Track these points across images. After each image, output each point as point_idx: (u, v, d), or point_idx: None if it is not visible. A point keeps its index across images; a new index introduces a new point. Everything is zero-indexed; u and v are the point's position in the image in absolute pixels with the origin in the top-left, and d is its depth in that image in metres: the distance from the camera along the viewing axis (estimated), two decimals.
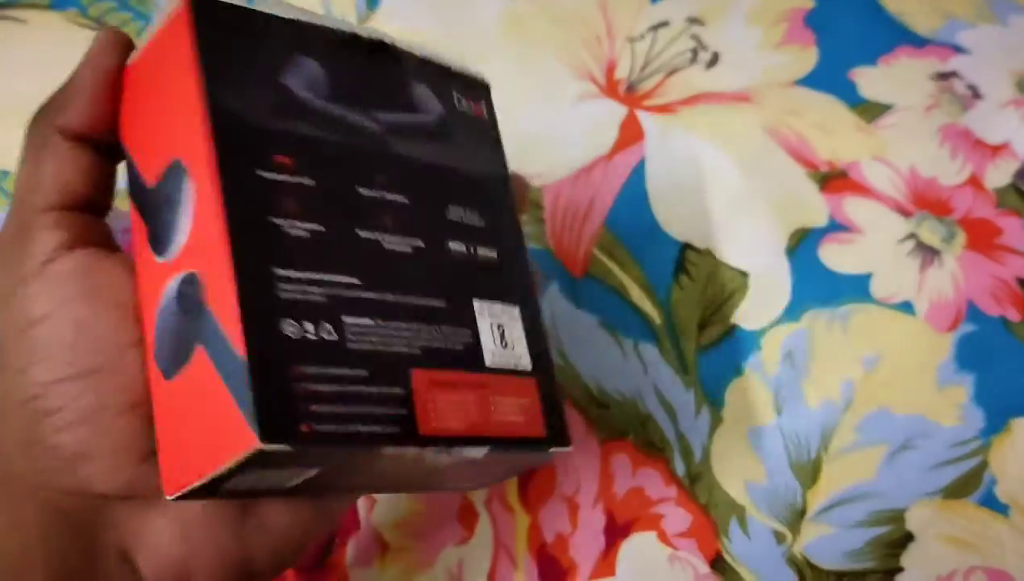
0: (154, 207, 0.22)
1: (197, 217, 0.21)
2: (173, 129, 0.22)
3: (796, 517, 0.40)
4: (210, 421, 0.20)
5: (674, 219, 0.44)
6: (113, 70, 0.23)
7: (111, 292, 0.22)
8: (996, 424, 0.41)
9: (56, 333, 0.21)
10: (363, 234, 0.23)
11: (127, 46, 0.24)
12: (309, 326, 0.20)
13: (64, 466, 0.22)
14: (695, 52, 0.47)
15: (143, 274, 0.22)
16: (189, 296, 0.21)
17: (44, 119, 0.23)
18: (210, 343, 0.20)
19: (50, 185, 0.22)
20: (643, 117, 0.46)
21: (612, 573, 0.40)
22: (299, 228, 0.21)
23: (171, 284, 0.21)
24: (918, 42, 0.47)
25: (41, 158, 0.23)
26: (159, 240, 0.22)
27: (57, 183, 0.23)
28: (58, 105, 0.23)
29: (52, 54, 0.48)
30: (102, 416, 0.21)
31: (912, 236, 0.44)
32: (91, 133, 0.23)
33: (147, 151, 0.23)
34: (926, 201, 0.44)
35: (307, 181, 0.22)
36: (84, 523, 0.22)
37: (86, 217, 0.23)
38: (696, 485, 0.41)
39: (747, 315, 0.43)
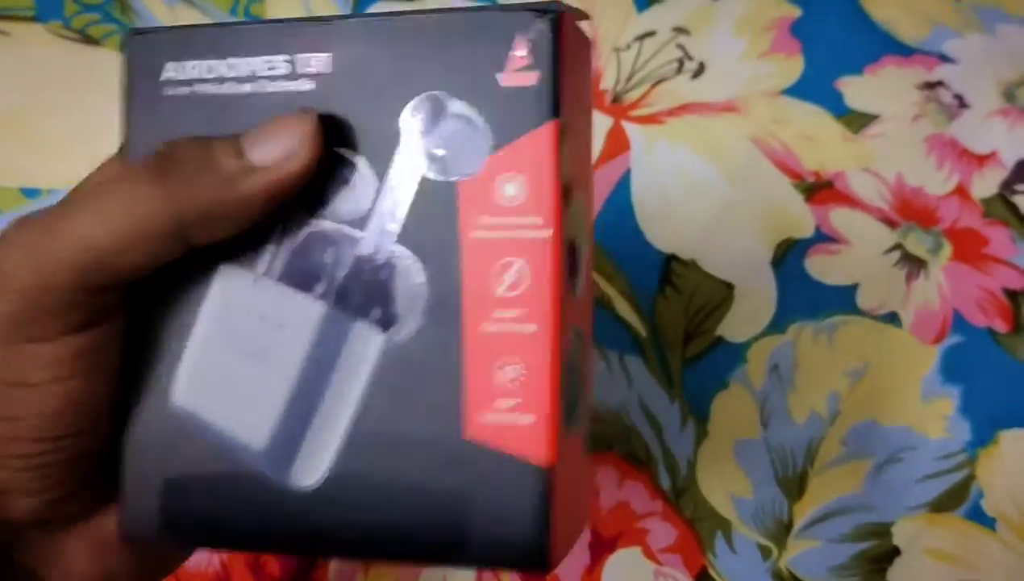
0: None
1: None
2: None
3: (782, 531, 0.40)
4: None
5: (659, 230, 0.44)
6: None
7: (109, 365, 0.22)
8: (983, 437, 0.40)
9: (39, 403, 0.21)
10: None
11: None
12: None
13: None
14: (681, 62, 0.47)
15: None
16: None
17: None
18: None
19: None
20: (629, 128, 0.46)
21: None
22: None
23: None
24: (904, 51, 0.47)
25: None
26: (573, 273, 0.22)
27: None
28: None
29: (36, 66, 0.48)
30: (39, 464, 0.21)
31: (898, 247, 0.43)
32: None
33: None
34: (912, 211, 0.44)
35: None
36: None
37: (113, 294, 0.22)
38: (681, 499, 0.40)
39: (732, 327, 0.42)
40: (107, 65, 0.48)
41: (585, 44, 0.23)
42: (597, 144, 0.46)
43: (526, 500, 0.20)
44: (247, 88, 0.21)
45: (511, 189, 0.20)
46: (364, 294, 0.21)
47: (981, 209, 0.44)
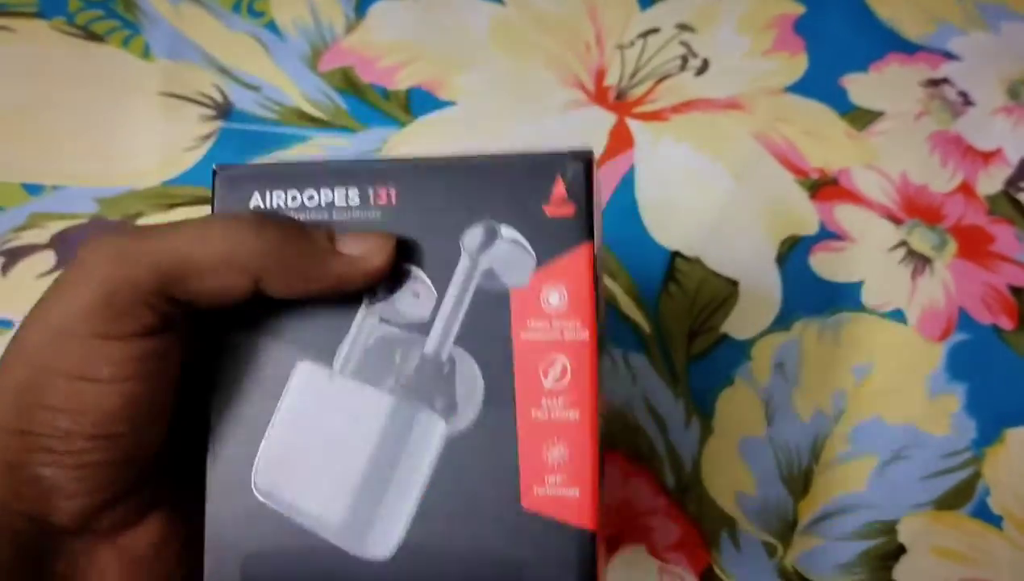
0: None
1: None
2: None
3: (787, 529, 0.40)
4: None
5: (663, 227, 0.44)
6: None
7: (170, 375, 0.23)
8: (989, 434, 0.40)
9: (102, 398, 0.22)
10: None
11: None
12: None
13: (37, 494, 0.22)
14: (685, 59, 0.47)
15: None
16: None
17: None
18: None
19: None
20: (633, 125, 0.46)
21: None
22: None
23: None
24: (909, 48, 0.47)
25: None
26: None
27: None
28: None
29: (39, 62, 0.48)
30: (90, 462, 0.22)
31: (903, 244, 0.43)
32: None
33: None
34: (917, 208, 0.44)
35: None
36: (35, 548, 0.22)
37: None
38: (686, 496, 0.40)
39: (737, 324, 0.42)
40: (110, 61, 0.48)
41: (599, 185, 0.27)
42: (601, 141, 0.46)
43: (577, 559, 0.23)
44: (325, 216, 0.25)
45: (555, 298, 0.24)
46: (428, 388, 0.24)
47: (986, 206, 0.44)
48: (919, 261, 0.43)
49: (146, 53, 0.48)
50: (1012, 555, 0.39)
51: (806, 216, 0.44)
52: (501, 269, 0.24)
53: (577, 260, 0.24)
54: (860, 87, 0.46)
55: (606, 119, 0.46)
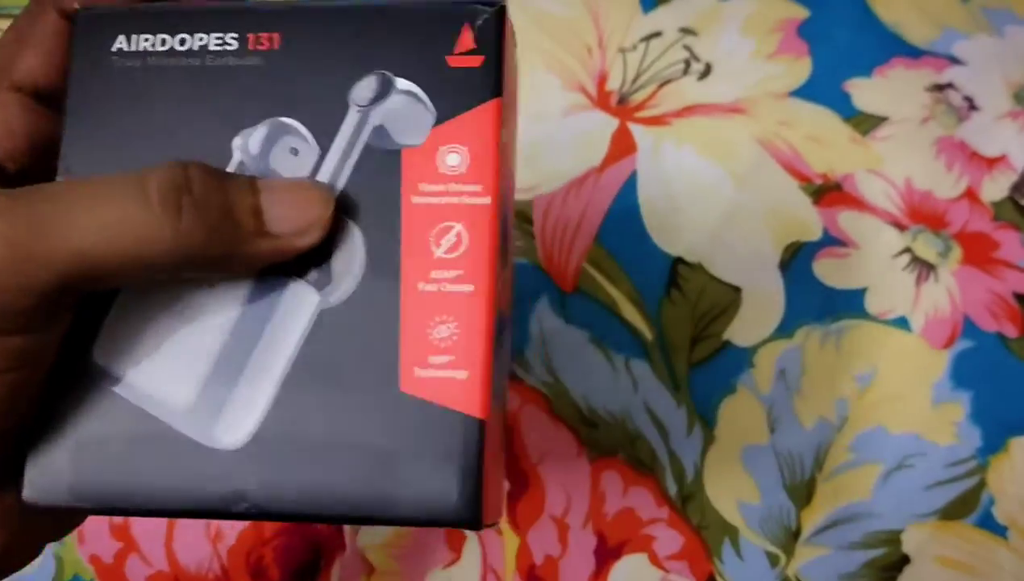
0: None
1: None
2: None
3: (790, 538, 0.39)
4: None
5: (666, 233, 0.44)
6: (60, 21, 0.23)
7: (52, 356, 0.21)
8: (994, 443, 0.40)
9: None
10: None
11: None
12: None
13: None
14: (688, 63, 0.47)
15: None
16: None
17: None
18: None
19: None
20: (635, 129, 0.45)
21: None
22: None
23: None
24: (913, 53, 0.46)
25: None
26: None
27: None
28: (9, 59, 0.23)
29: None
30: None
31: (908, 250, 0.43)
32: (47, 86, 0.23)
33: None
34: (922, 214, 0.44)
35: None
36: None
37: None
38: (688, 505, 0.40)
39: (739, 331, 0.42)
40: None
41: (515, 43, 0.25)
42: (603, 146, 0.45)
43: (461, 450, 0.21)
44: (197, 62, 0.22)
45: (453, 159, 0.22)
46: (300, 255, 0.21)
47: (991, 212, 0.44)
48: (923, 268, 0.43)
49: None
50: (1017, 565, 0.38)
51: (809, 222, 0.43)
52: (394, 126, 0.22)
53: (482, 117, 0.22)
54: (864, 92, 0.46)
55: (608, 124, 0.46)
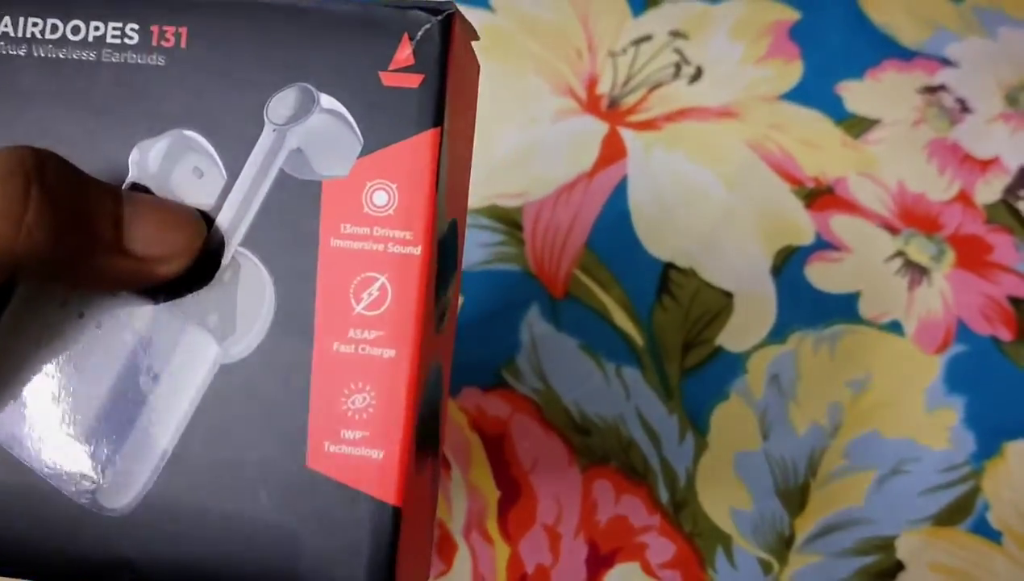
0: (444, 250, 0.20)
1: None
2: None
3: (783, 546, 0.39)
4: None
5: (657, 238, 0.43)
6: None
7: None
8: (988, 448, 0.40)
9: None
10: None
11: None
12: None
13: None
14: (678, 66, 0.46)
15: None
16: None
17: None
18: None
19: None
20: (625, 134, 0.45)
21: None
22: None
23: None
24: (905, 55, 0.46)
25: None
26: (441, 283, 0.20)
27: None
28: None
29: None
30: None
31: (900, 254, 0.43)
32: None
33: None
34: (914, 218, 0.43)
35: None
36: None
37: None
38: (680, 513, 0.40)
39: (732, 337, 0.42)
40: None
41: (475, 66, 0.21)
42: (593, 151, 0.45)
43: (370, 540, 0.18)
44: (91, 56, 0.19)
45: (380, 197, 0.19)
46: (199, 298, 0.19)
47: (984, 215, 0.43)
48: (916, 271, 0.42)
49: None
50: (1012, 571, 0.38)
51: (801, 226, 0.43)
52: (314, 151, 0.19)
53: (416, 150, 0.19)
54: (856, 94, 0.45)
55: (598, 128, 0.45)
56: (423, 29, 0.19)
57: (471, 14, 0.48)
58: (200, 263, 0.19)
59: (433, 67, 0.19)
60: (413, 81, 0.19)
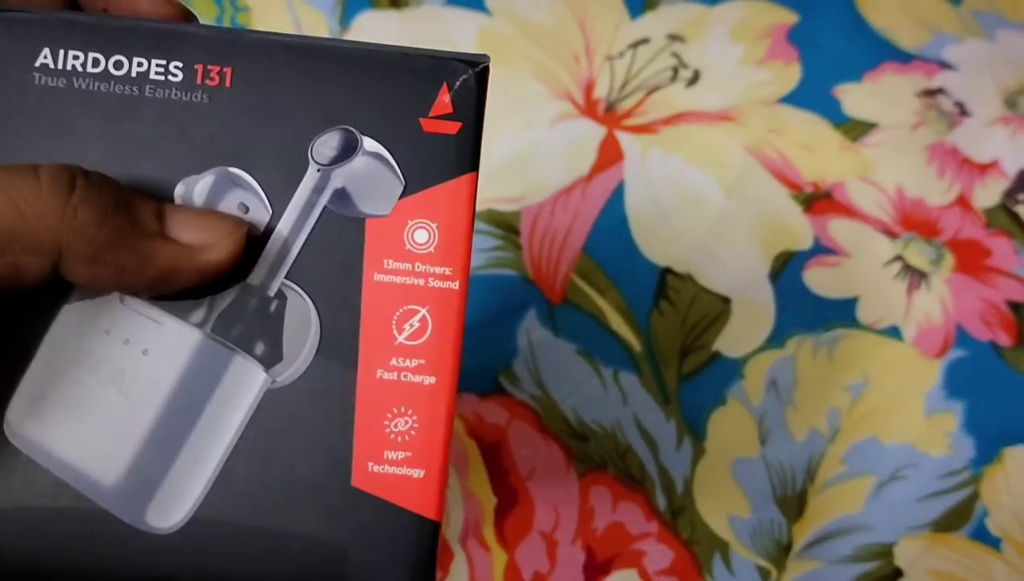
0: None
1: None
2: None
3: (781, 552, 0.39)
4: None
5: (654, 243, 0.43)
6: None
7: None
8: (987, 454, 0.39)
9: None
10: None
11: None
12: None
13: None
14: (676, 70, 0.46)
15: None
16: None
17: None
18: None
19: None
20: (623, 138, 0.45)
21: None
22: None
23: None
24: (903, 58, 0.46)
25: None
26: None
27: None
28: None
29: None
30: None
31: (899, 258, 0.42)
32: None
33: None
34: (913, 222, 0.43)
35: None
36: None
37: None
38: (678, 519, 0.39)
39: (730, 342, 0.41)
40: None
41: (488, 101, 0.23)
42: (590, 155, 0.45)
43: (414, 552, 0.19)
44: (134, 91, 0.20)
45: (421, 236, 0.20)
46: (248, 327, 0.20)
47: (983, 219, 0.43)
48: (915, 276, 0.42)
49: None
50: (1011, 578, 0.38)
51: (800, 231, 0.43)
52: (358, 191, 0.20)
53: (455, 193, 0.20)
54: (854, 98, 0.45)
55: (595, 132, 0.45)
56: (461, 80, 0.20)
57: (468, 17, 0.48)
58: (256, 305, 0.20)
59: (470, 115, 0.20)
60: (452, 128, 0.20)
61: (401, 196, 0.20)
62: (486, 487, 0.40)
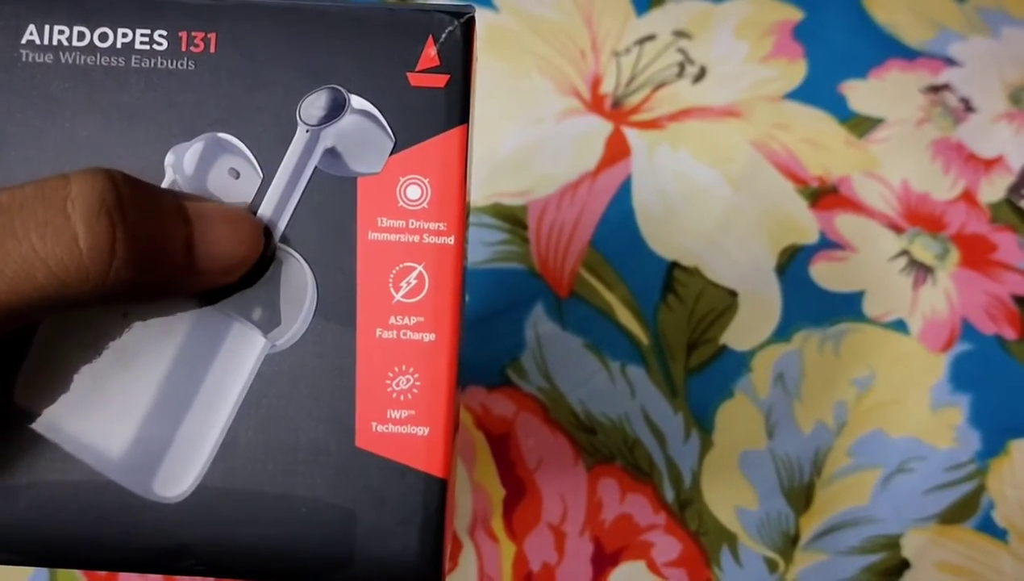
0: None
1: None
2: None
3: (788, 544, 0.39)
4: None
5: (661, 237, 0.43)
6: None
7: None
8: (993, 446, 0.40)
9: None
10: None
11: None
12: None
13: None
14: (682, 66, 0.47)
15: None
16: None
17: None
18: None
19: None
20: (629, 133, 0.45)
21: None
22: None
23: None
24: (909, 54, 0.46)
25: None
26: None
27: None
28: None
29: None
30: None
31: (905, 253, 0.43)
32: None
33: None
34: (919, 217, 0.43)
35: None
36: None
37: None
38: (686, 511, 0.40)
39: (737, 336, 0.42)
40: None
41: (475, 57, 0.23)
42: (597, 150, 0.45)
43: (422, 510, 0.19)
44: (120, 62, 0.20)
45: (414, 192, 0.20)
46: (244, 294, 0.20)
47: (988, 214, 0.43)
48: (921, 270, 0.42)
49: None
50: (1018, 569, 0.38)
51: (806, 225, 0.43)
52: (348, 150, 0.20)
53: (446, 146, 0.20)
54: (860, 94, 0.45)
55: (602, 128, 0.45)
56: (447, 31, 0.20)
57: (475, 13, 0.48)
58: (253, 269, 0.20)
59: (457, 67, 0.20)
60: (439, 81, 0.20)
61: (392, 153, 0.20)
62: (494, 479, 0.40)
